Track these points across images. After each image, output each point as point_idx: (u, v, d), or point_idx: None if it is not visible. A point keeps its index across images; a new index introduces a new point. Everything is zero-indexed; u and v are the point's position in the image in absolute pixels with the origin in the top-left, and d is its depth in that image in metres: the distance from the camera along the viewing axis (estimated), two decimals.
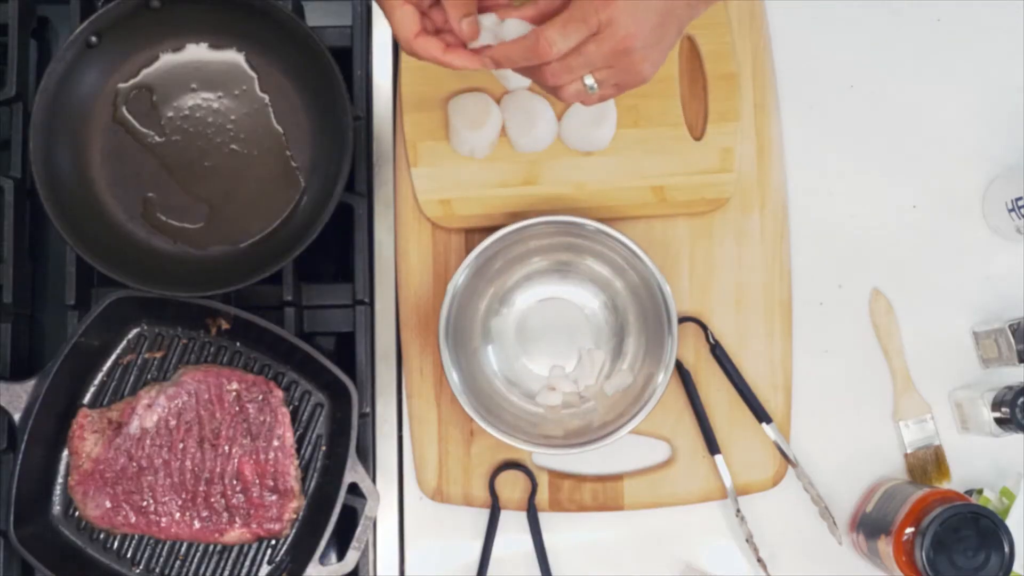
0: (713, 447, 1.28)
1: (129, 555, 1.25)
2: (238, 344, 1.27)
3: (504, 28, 1.05)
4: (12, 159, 1.29)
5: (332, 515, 1.21)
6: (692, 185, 1.28)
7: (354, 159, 1.25)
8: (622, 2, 1.01)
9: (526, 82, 1.27)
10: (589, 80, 1.04)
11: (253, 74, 1.29)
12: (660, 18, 1.03)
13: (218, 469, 1.23)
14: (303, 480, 1.25)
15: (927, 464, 1.29)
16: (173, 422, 1.24)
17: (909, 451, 1.30)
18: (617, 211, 1.28)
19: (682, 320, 1.28)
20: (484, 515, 1.28)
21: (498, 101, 1.28)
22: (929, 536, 1.16)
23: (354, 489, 1.21)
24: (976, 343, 1.31)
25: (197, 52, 1.29)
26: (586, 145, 1.28)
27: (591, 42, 1.02)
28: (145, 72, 1.29)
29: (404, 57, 1.29)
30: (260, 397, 1.24)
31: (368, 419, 1.28)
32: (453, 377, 1.21)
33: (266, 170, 1.29)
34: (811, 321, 1.31)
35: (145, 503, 1.23)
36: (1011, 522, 1.22)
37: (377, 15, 1.33)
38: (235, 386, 1.24)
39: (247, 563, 1.25)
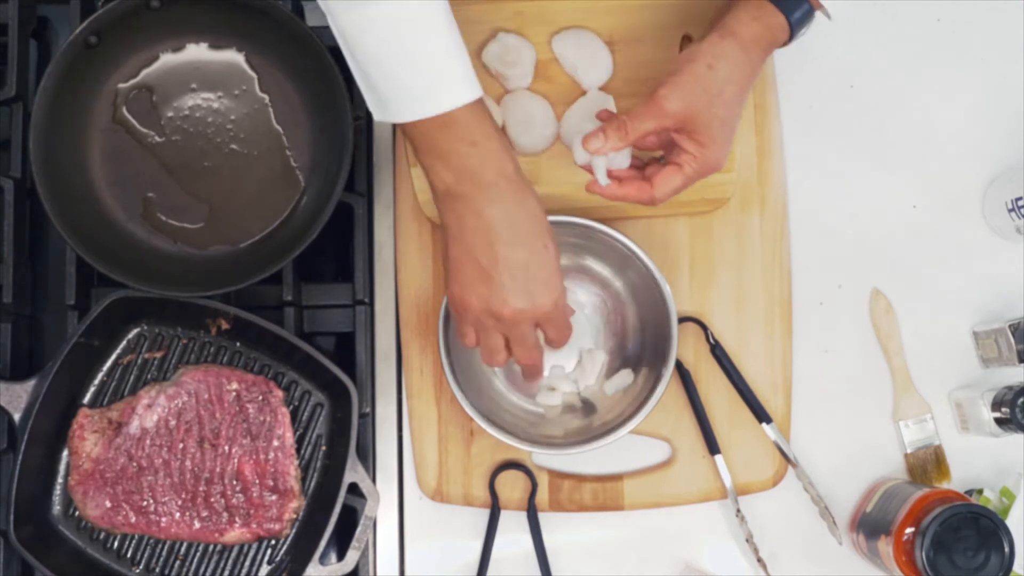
0: (713, 447, 1.28)
1: (129, 555, 1.25)
2: (238, 344, 1.27)
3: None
4: (12, 159, 1.29)
5: (332, 515, 1.21)
6: (692, 185, 1.28)
7: (354, 159, 1.25)
8: (721, 155, 1.11)
9: (526, 82, 1.27)
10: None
11: (253, 74, 1.29)
12: (732, 123, 1.11)
13: (218, 469, 1.23)
14: (303, 480, 1.25)
15: (927, 464, 1.29)
16: (173, 422, 1.24)
17: (909, 451, 1.30)
18: (617, 211, 1.28)
19: (682, 320, 1.28)
20: (484, 515, 1.28)
21: (498, 101, 1.27)
22: (929, 536, 1.16)
23: (354, 489, 1.21)
24: (976, 343, 1.31)
25: (197, 52, 1.29)
26: None
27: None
28: (145, 72, 1.29)
29: None
30: (260, 397, 1.24)
31: (368, 419, 1.28)
32: (453, 377, 1.21)
33: (266, 170, 1.29)
34: (811, 321, 1.31)
35: (145, 503, 1.23)
36: (1011, 522, 1.22)
37: None
38: (235, 386, 1.24)
39: (247, 563, 1.25)
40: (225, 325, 1.26)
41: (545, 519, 1.28)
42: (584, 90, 1.28)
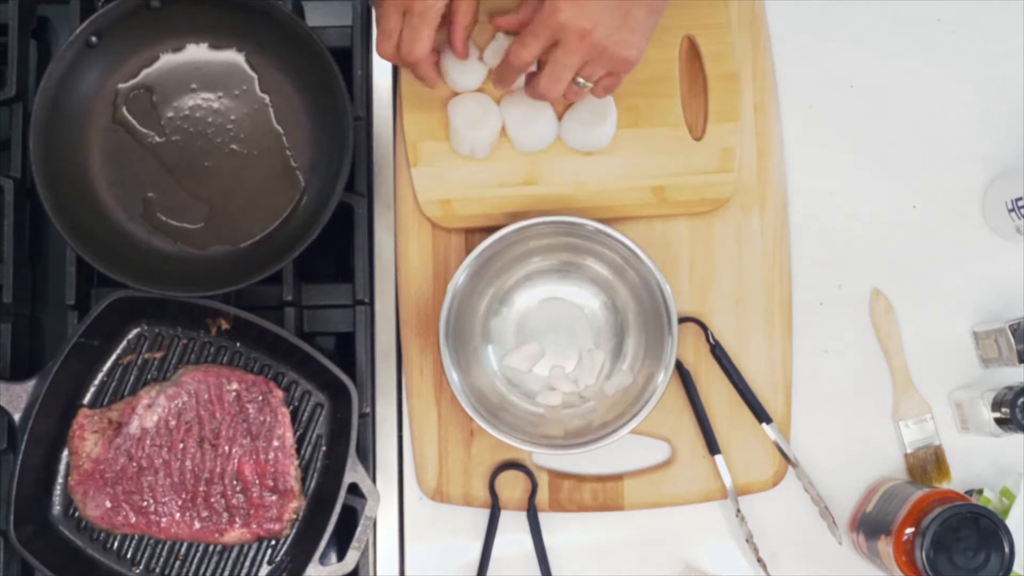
0: (713, 447, 1.28)
1: (129, 555, 1.25)
2: (238, 344, 1.27)
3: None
4: (12, 159, 1.29)
5: (332, 515, 1.21)
6: (692, 185, 1.28)
7: (354, 159, 1.25)
8: (565, 5, 1.08)
9: (476, 83, 1.27)
10: (580, 80, 1.15)
11: (253, 74, 1.29)
12: (614, 5, 1.09)
13: (218, 469, 1.23)
14: (303, 480, 1.25)
15: (927, 464, 1.29)
16: (173, 422, 1.24)
17: (909, 451, 1.30)
18: (617, 211, 1.28)
19: (682, 320, 1.28)
20: (484, 515, 1.28)
21: (498, 101, 1.28)
22: (929, 536, 1.16)
23: (354, 489, 1.21)
24: (976, 343, 1.31)
25: (197, 52, 1.29)
26: (586, 145, 1.28)
27: (558, 50, 1.12)
28: (145, 72, 1.29)
29: None
30: (260, 397, 1.24)
31: (368, 419, 1.28)
32: (453, 377, 1.21)
33: (266, 170, 1.29)
34: (811, 321, 1.31)
35: (145, 503, 1.23)
36: (1011, 522, 1.22)
37: None
38: (235, 386, 1.24)
39: (247, 563, 1.25)
40: (225, 325, 1.26)
41: (545, 519, 1.28)
42: None
